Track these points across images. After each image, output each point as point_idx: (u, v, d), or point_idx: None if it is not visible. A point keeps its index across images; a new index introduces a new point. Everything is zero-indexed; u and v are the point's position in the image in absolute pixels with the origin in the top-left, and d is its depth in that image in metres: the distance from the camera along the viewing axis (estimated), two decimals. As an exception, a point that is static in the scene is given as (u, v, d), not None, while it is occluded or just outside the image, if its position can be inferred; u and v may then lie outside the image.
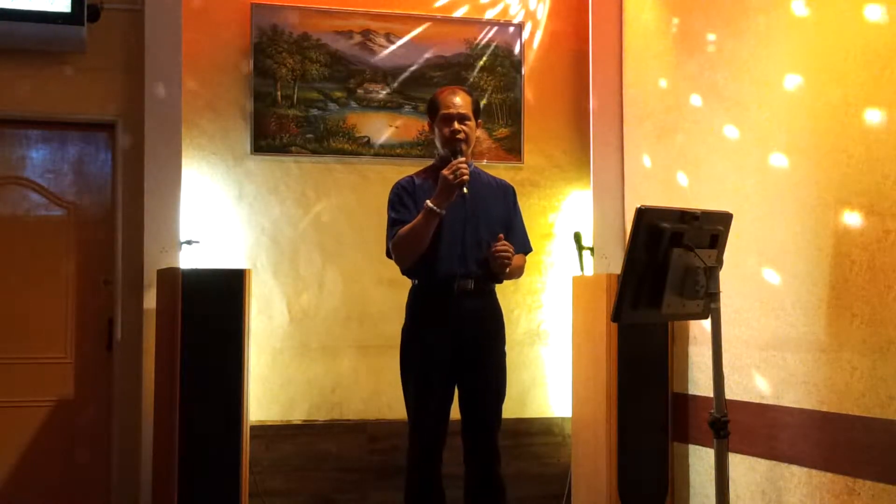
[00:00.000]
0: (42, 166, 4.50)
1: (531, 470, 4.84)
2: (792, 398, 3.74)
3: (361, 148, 4.83)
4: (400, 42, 4.89)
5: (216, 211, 4.63)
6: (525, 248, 3.73)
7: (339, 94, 4.81)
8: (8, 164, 4.47)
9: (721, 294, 2.90)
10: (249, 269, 4.10)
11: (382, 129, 4.86)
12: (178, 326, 3.90)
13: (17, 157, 4.48)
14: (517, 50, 5.04)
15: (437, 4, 4.96)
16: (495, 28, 5.02)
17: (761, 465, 3.89)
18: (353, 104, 4.83)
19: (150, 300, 4.33)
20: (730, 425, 2.91)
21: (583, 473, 4.53)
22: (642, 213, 2.82)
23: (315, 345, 4.73)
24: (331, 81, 4.80)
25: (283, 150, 4.73)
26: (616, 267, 4.71)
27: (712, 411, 2.91)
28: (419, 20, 4.92)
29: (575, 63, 5.10)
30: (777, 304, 3.82)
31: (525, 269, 3.79)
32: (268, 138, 4.72)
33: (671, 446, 4.46)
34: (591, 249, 4.87)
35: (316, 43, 4.79)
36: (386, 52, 4.87)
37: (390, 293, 4.67)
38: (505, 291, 3.69)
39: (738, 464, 3.94)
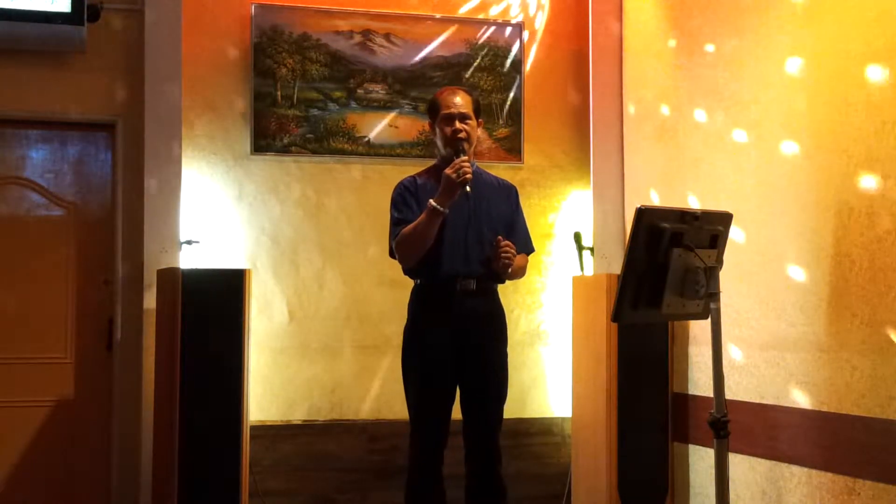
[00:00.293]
0: (42, 166, 4.50)
1: (531, 470, 4.84)
2: (792, 398, 3.74)
3: (361, 148, 4.83)
4: (400, 42, 4.89)
5: (216, 211, 4.63)
6: (527, 248, 3.73)
7: (339, 94, 4.81)
8: (8, 164, 4.47)
9: (721, 294, 2.90)
10: (249, 269, 4.10)
11: (382, 129, 4.86)
12: (178, 326, 3.90)
13: (17, 157, 4.49)
14: (517, 50, 5.04)
15: (437, 4, 4.96)
16: (495, 28, 5.02)
17: (761, 465, 3.89)
18: (353, 104, 4.83)
19: (150, 300, 4.33)
20: (730, 425, 2.91)
21: (583, 473, 4.53)
22: (642, 213, 2.82)
23: (315, 345, 4.73)
24: (331, 81, 4.80)
25: (283, 150, 4.73)
26: (616, 267, 4.71)
27: (712, 411, 2.91)
28: (419, 20, 4.92)
29: (575, 63, 5.10)
30: (777, 304, 3.82)
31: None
32: (268, 138, 4.72)
33: (671, 446, 4.46)
34: (591, 249, 4.87)
35: (316, 43, 4.79)
36: (386, 52, 4.87)
37: (390, 293, 4.67)
38: (505, 291, 3.69)
39: (738, 464, 3.94)
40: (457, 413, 3.56)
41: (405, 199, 3.57)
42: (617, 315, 2.87)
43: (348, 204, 4.81)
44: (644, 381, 4.39)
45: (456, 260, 3.50)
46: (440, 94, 3.65)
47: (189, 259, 4.41)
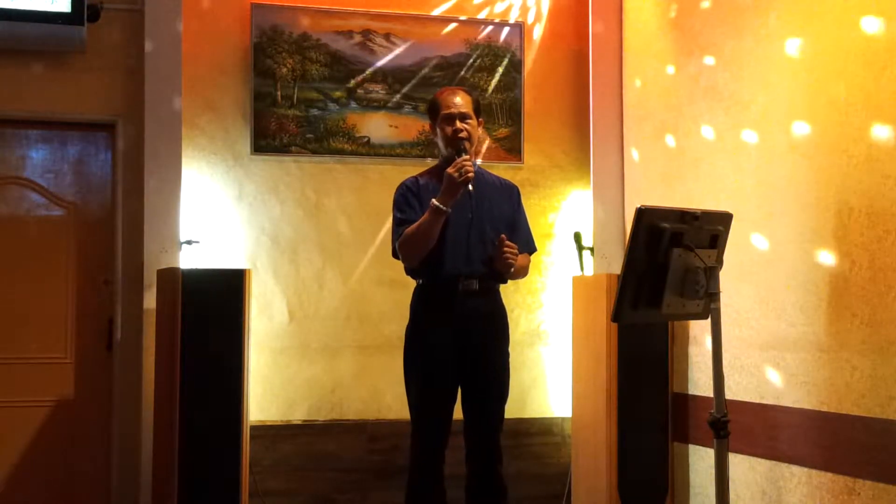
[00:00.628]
0: (42, 166, 4.50)
1: (531, 470, 4.84)
2: (792, 398, 3.74)
3: (361, 148, 4.83)
4: (400, 42, 4.89)
5: (216, 211, 4.63)
6: (529, 247, 3.73)
7: (339, 94, 4.81)
8: (8, 164, 4.47)
9: (721, 294, 2.90)
10: (249, 269, 4.10)
11: (382, 129, 4.86)
12: (178, 326, 3.90)
13: (17, 157, 4.49)
14: (517, 50, 5.04)
15: (437, 4, 4.96)
16: (495, 28, 5.02)
17: (761, 465, 3.89)
18: (353, 104, 4.83)
19: (150, 300, 4.33)
20: (730, 425, 2.91)
21: (583, 473, 4.53)
22: (642, 213, 2.82)
23: (315, 345, 4.73)
24: (331, 81, 4.80)
25: (283, 150, 4.73)
26: (616, 267, 4.71)
27: (712, 411, 2.91)
28: (419, 20, 4.92)
29: (575, 63, 5.10)
30: (777, 304, 3.82)
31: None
32: (268, 138, 4.72)
33: (671, 446, 4.46)
34: (591, 249, 4.87)
35: (316, 43, 4.79)
36: (386, 51, 4.87)
37: (390, 293, 4.67)
38: (505, 291, 3.69)
39: (738, 464, 3.94)
40: (458, 413, 3.56)
41: (408, 200, 3.57)
42: (617, 315, 2.87)
43: (348, 204, 4.81)
44: (644, 381, 4.39)
45: (458, 260, 3.51)
46: (440, 95, 3.65)
47: (189, 259, 4.41)
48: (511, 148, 5.01)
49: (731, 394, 3.42)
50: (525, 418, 4.87)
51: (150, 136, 4.42)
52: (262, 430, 4.52)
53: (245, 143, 4.70)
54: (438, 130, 3.61)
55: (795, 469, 3.72)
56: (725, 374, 2.98)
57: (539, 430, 4.93)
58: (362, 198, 4.81)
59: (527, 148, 5.03)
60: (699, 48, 4.35)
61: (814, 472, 3.62)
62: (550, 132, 5.09)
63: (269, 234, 4.72)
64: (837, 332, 3.51)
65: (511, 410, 3.70)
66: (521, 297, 4.95)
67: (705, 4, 4.33)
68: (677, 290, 2.89)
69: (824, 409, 3.57)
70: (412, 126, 4.88)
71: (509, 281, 3.68)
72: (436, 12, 4.95)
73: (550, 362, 5.00)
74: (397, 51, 4.88)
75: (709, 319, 2.93)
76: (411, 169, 4.01)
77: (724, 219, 3.08)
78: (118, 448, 4.41)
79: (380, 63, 4.86)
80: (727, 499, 2.92)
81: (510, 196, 3.72)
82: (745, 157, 4.04)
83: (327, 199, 4.79)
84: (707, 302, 2.93)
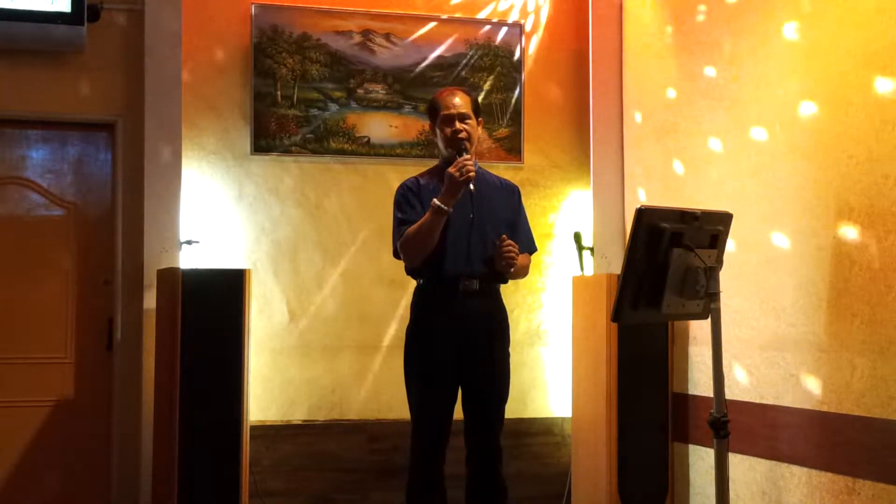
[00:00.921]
0: (42, 166, 4.50)
1: (531, 470, 4.84)
2: (792, 398, 3.74)
3: (361, 148, 4.83)
4: (400, 42, 4.89)
5: (216, 211, 4.63)
6: (530, 247, 3.73)
7: (339, 94, 4.81)
8: (8, 164, 4.47)
9: (721, 294, 2.90)
10: (249, 269, 4.10)
11: (382, 129, 4.86)
12: (178, 326, 3.90)
13: (17, 157, 4.49)
14: (517, 50, 5.04)
15: (437, 4, 4.96)
16: (495, 28, 5.02)
17: (761, 465, 3.89)
18: (353, 104, 4.83)
19: (150, 300, 4.33)
20: (730, 425, 2.91)
21: (583, 473, 4.53)
22: (642, 213, 2.82)
23: (315, 345, 4.73)
24: (331, 81, 4.80)
25: (283, 150, 4.73)
26: (616, 267, 4.71)
27: (712, 411, 2.91)
28: (419, 20, 4.92)
29: (575, 63, 5.10)
30: (777, 304, 3.82)
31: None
32: (268, 138, 4.72)
33: (671, 446, 4.46)
34: (591, 249, 4.87)
35: (316, 43, 4.79)
36: (386, 52, 4.87)
37: (390, 293, 4.68)
38: (505, 291, 3.69)
39: (738, 464, 3.94)
40: (458, 413, 3.56)
41: (408, 200, 3.57)
42: (617, 315, 2.87)
43: (348, 204, 4.81)
44: (644, 381, 4.39)
45: (459, 260, 3.50)
46: (439, 96, 3.65)
47: (189, 259, 4.41)
48: (511, 148, 5.01)
49: (731, 394, 3.42)
50: (525, 418, 4.87)
51: (150, 136, 4.42)
52: (262, 430, 4.52)
53: (245, 143, 4.70)
54: (438, 131, 3.61)
55: (795, 469, 3.72)
56: (725, 374, 2.98)
57: (539, 430, 4.93)
58: (362, 198, 4.81)
59: (527, 148, 5.03)
60: (699, 48, 4.35)
61: (814, 472, 3.62)
62: (550, 132, 5.09)
63: (269, 234, 4.72)
64: (837, 332, 3.51)
65: (511, 410, 3.70)
66: (521, 297, 4.95)
67: (705, 5, 4.33)
68: (677, 290, 2.89)
69: (824, 409, 3.57)
70: (412, 126, 4.88)
71: (509, 281, 3.68)
72: (436, 12, 4.95)
73: (550, 362, 5.00)
74: (397, 51, 4.89)
75: (709, 319, 2.94)
76: (411, 169, 4.01)
77: (724, 219, 3.08)
78: (118, 448, 4.41)
79: (380, 63, 4.86)
80: (727, 499, 2.92)
81: (511, 196, 3.72)
82: (745, 157, 4.04)
83: (327, 199, 4.79)
84: (707, 302, 2.93)
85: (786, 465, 3.77)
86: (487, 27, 5.01)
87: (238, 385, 3.96)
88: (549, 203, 5.05)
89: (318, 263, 4.77)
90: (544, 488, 4.82)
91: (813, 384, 3.63)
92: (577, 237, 4.83)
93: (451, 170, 3.39)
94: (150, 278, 4.31)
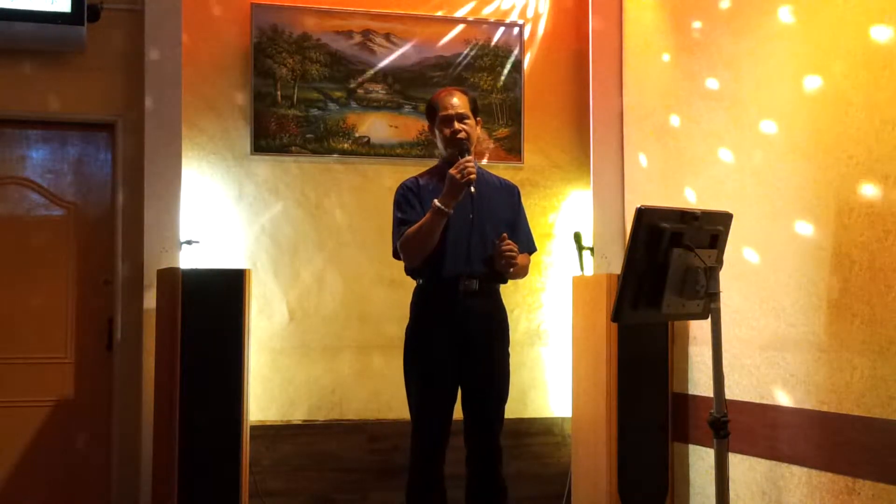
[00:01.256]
0: (42, 166, 4.50)
1: (531, 470, 4.84)
2: (792, 398, 3.74)
3: (361, 148, 4.83)
4: (400, 42, 4.89)
5: (216, 211, 4.63)
6: (529, 247, 3.73)
7: (339, 94, 4.81)
8: (8, 164, 4.47)
9: (721, 294, 2.90)
10: (249, 269, 4.10)
11: (382, 129, 4.86)
12: (178, 326, 3.90)
13: (17, 157, 4.49)
14: (517, 50, 5.04)
15: (437, 4, 4.96)
16: (495, 28, 5.02)
17: (761, 465, 3.89)
18: (353, 104, 4.83)
19: (150, 300, 4.33)
20: (730, 425, 2.91)
21: (583, 473, 4.53)
22: (642, 213, 2.82)
23: (315, 345, 4.74)
24: (331, 81, 4.80)
25: (283, 150, 4.73)
26: (616, 267, 4.71)
27: (712, 411, 2.91)
28: (419, 20, 4.92)
29: (575, 63, 5.10)
30: (777, 304, 3.82)
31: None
32: (268, 138, 4.72)
33: (671, 446, 4.46)
34: (591, 249, 4.87)
35: (316, 43, 4.79)
36: (386, 52, 4.87)
37: (390, 293, 4.67)
38: (505, 291, 3.69)
39: (738, 464, 3.94)
40: (458, 413, 3.56)
41: (408, 200, 3.57)
42: (617, 315, 2.87)
43: (348, 204, 4.81)
44: (644, 381, 4.39)
45: (459, 260, 3.50)
46: (437, 97, 3.65)
47: (189, 259, 4.41)
48: (511, 148, 5.01)
49: (731, 394, 3.42)
50: (525, 418, 4.87)
51: (150, 135, 4.42)
52: (262, 430, 4.52)
53: (245, 143, 4.70)
54: (437, 132, 3.61)
55: (795, 469, 3.72)
56: (725, 374, 2.98)
57: (539, 430, 4.93)
58: (362, 198, 4.81)
59: (527, 148, 5.03)
60: (699, 48, 4.35)
61: (814, 472, 3.62)
62: (550, 132, 5.09)
63: (269, 234, 4.72)
64: (837, 332, 3.51)
65: (511, 410, 3.70)
66: (521, 297, 4.95)
67: (705, 5, 4.32)
68: (677, 290, 2.89)
69: (824, 409, 3.57)
70: (412, 126, 4.88)
71: (509, 281, 3.68)
72: (436, 12, 4.95)
73: (550, 362, 5.00)
74: (397, 51, 4.89)
75: (709, 319, 2.93)
76: (411, 169, 4.01)
77: (724, 219, 3.08)
78: (118, 448, 4.41)
79: (380, 63, 4.86)
80: (727, 499, 2.92)
81: (511, 196, 3.72)
82: (745, 157, 4.04)
83: (327, 199, 4.79)
84: (707, 302, 2.93)
85: (786, 465, 3.77)
86: (488, 27, 5.01)
87: (238, 385, 3.96)
88: (549, 203, 5.05)
89: (318, 263, 4.77)
90: (544, 488, 4.82)
91: (813, 384, 3.63)
92: (577, 237, 4.83)
93: (452, 171, 3.39)
94: (150, 278, 4.31)
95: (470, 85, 4.86)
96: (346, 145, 4.81)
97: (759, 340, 3.93)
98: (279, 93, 4.73)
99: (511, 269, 3.52)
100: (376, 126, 4.85)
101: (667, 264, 2.86)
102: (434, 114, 3.61)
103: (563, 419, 4.91)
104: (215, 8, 4.68)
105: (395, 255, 3.60)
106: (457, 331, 3.50)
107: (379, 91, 4.86)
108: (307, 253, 4.76)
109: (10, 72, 4.36)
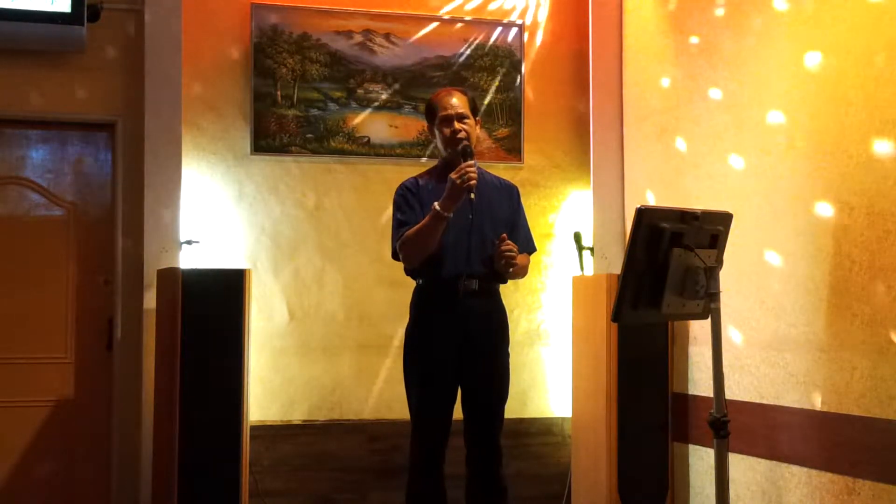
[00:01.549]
0: (42, 166, 4.50)
1: (531, 470, 4.84)
2: (792, 398, 3.74)
3: (361, 148, 4.83)
4: (400, 42, 4.89)
5: (216, 211, 4.63)
6: (529, 247, 3.73)
7: (339, 94, 4.81)
8: (8, 164, 4.47)
9: (721, 294, 2.90)
10: (249, 269, 4.10)
11: (382, 129, 4.86)
12: (178, 326, 3.90)
13: (17, 157, 4.49)
14: (517, 50, 5.04)
15: (437, 4, 4.96)
16: (495, 28, 5.02)
17: (761, 465, 3.89)
18: (353, 104, 4.83)
19: (150, 300, 4.33)
20: (730, 425, 2.91)
21: (583, 473, 4.53)
22: (642, 213, 2.82)
23: (315, 345, 4.73)
24: (331, 81, 4.80)
25: (283, 150, 4.73)
26: (616, 267, 4.71)
27: (712, 411, 2.91)
28: (419, 20, 4.92)
29: (575, 63, 5.10)
30: (777, 304, 3.82)
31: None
32: (268, 138, 4.72)
33: (671, 446, 4.46)
34: (591, 249, 4.87)
35: (316, 43, 4.79)
36: (386, 52, 4.87)
37: (390, 293, 4.67)
38: (505, 291, 3.69)
39: (738, 464, 3.94)
40: (458, 413, 3.56)
41: (408, 201, 3.57)
42: (617, 315, 2.87)
43: (348, 204, 4.81)
44: (644, 381, 4.39)
45: (458, 260, 3.50)
46: (436, 97, 3.65)
47: (189, 259, 4.41)
48: (511, 148, 5.01)
49: (731, 394, 3.42)
50: (525, 418, 4.87)
51: (150, 136, 4.42)
52: (262, 430, 4.52)
53: (245, 143, 4.70)
54: (437, 132, 3.61)
55: (795, 469, 3.72)
56: (725, 374, 2.98)
57: (539, 430, 4.92)
58: (362, 198, 4.81)
59: (527, 148, 5.03)
60: (699, 48, 4.35)
61: (814, 472, 3.62)
62: (550, 132, 5.09)
63: (269, 234, 4.72)
64: (837, 332, 3.51)
65: (511, 410, 3.70)
66: (521, 297, 4.95)
67: (705, 4, 4.32)
68: (677, 290, 2.89)
69: (824, 409, 3.57)
70: (412, 126, 4.88)
71: (509, 281, 3.68)
72: (436, 12, 4.95)
73: (550, 362, 5.00)
74: (397, 51, 4.88)
75: (709, 319, 2.93)
76: (411, 169, 4.01)
77: (724, 219, 3.08)
78: (118, 448, 4.41)
79: (380, 63, 4.86)
80: (727, 499, 2.92)
81: (510, 196, 3.72)
82: (745, 157, 4.04)
83: (327, 199, 4.79)
84: (707, 302, 2.93)
85: (786, 465, 3.77)
86: (487, 27, 5.01)
87: (238, 385, 3.96)
88: (549, 203, 5.05)
89: (318, 263, 4.77)
90: (544, 488, 4.82)
91: (813, 384, 3.63)
92: (577, 237, 4.83)
93: (452, 175, 3.38)
94: (150, 278, 4.32)
95: (470, 85, 4.86)
96: (346, 145, 4.81)
97: (759, 340, 3.93)
98: (279, 93, 4.73)
99: (510, 270, 3.52)
100: (376, 126, 4.85)
101: (667, 264, 2.86)
102: (433, 114, 3.60)
103: (563, 419, 4.91)
104: (215, 8, 4.68)
105: (395, 257, 3.60)
106: (457, 331, 3.50)
107: (379, 91, 4.86)
108: (307, 253, 4.76)
109: (10, 72, 4.36)
